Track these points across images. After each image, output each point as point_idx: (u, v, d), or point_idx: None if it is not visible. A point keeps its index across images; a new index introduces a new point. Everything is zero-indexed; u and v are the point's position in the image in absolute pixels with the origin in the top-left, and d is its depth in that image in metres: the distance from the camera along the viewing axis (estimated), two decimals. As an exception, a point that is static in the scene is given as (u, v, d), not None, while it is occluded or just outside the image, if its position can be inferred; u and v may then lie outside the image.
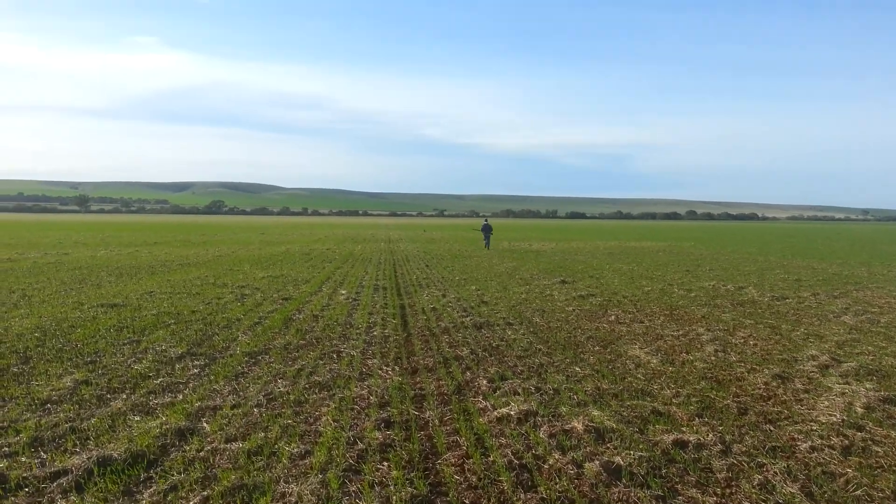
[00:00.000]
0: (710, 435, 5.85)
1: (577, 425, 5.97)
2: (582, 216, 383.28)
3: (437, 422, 6.30)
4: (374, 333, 10.90)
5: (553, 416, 6.38)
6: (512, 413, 6.35)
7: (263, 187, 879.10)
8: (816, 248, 42.52)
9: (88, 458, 5.22)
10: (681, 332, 11.08)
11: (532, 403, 6.70)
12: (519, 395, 7.13)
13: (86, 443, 5.69)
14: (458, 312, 13.16)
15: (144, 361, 8.67)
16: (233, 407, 6.72)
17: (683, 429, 6.06)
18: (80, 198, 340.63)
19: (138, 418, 6.34)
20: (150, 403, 6.85)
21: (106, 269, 22.13)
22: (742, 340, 10.44)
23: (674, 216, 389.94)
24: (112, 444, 5.60)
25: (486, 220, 43.17)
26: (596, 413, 6.43)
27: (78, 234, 52.24)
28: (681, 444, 5.61)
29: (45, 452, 5.48)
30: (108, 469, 5.11)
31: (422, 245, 42.05)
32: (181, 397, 7.08)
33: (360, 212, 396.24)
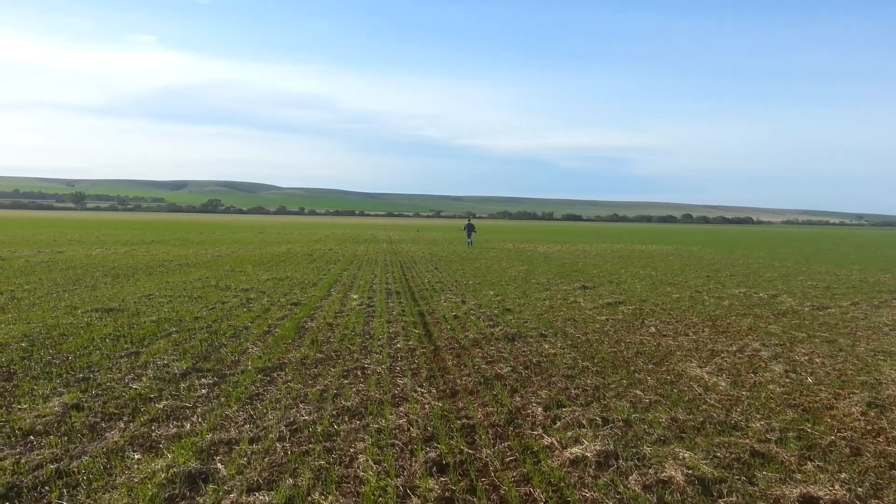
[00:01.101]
0: (836, 486, 4.81)
1: (675, 473, 4.91)
2: (578, 218, 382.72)
3: (497, 464, 5.24)
4: (398, 346, 9.85)
5: (638, 458, 5.32)
6: (588, 454, 5.29)
7: (260, 186, 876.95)
8: (825, 252, 41.58)
9: (78, 517, 4.16)
10: (735, 348, 10.06)
11: (607, 441, 5.64)
12: (584, 427, 6.08)
13: (75, 493, 4.61)
14: (483, 321, 12.12)
15: (144, 379, 7.60)
16: (251, 441, 5.66)
17: (797, 476, 5.02)
18: (77, 195, 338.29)
19: (139, 456, 5.27)
20: (153, 435, 5.78)
21: (101, 269, 21.00)
22: (807, 358, 9.41)
23: (670, 219, 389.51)
24: (107, 496, 4.52)
25: (469, 220, 45.14)
26: (686, 454, 5.38)
27: (73, 232, 51.01)
28: (810, 502, 4.57)
29: (23, 506, 4.42)
30: (103, 533, 4.06)
31: (425, 246, 40.98)
32: (189, 427, 6.01)
33: (357, 212, 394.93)
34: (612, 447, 5.47)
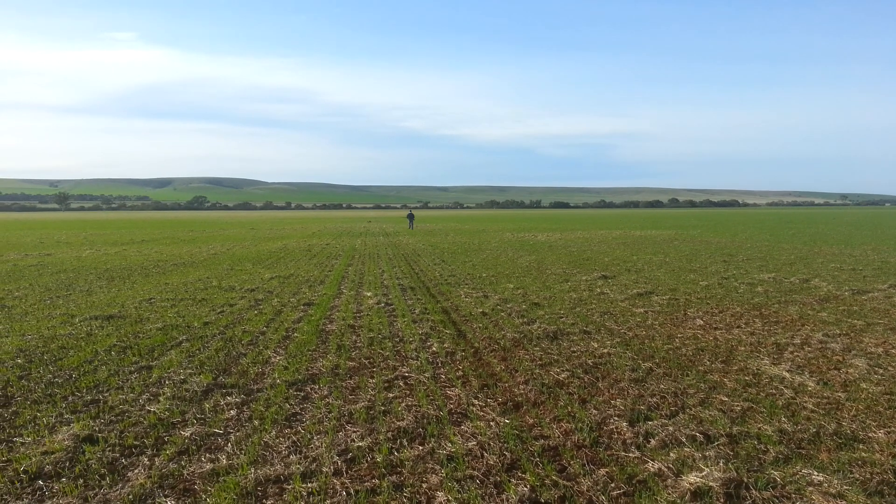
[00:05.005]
0: None
1: (829, 507, 4.09)
2: (566, 206, 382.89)
3: (604, 499, 4.40)
4: (433, 349, 8.98)
5: (772, 486, 4.49)
6: (712, 484, 4.44)
7: (246, 182, 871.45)
8: (827, 234, 40.98)
9: None
10: (798, 340, 9.26)
11: (726, 465, 4.79)
12: (685, 445, 5.25)
13: (103, 559, 3.73)
14: (516, 318, 11.26)
15: (162, 399, 6.70)
16: (304, 478, 4.78)
17: (966, 504, 4.22)
18: (60, 195, 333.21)
19: None
20: (185, 473, 4.88)
21: (94, 271, 19.94)
22: (882, 350, 8.64)
23: (657, 204, 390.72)
24: (145, 564, 3.65)
25: (410, 211, 63.71)
26: (821, 478, 4.56)
27: (59, 233, 49.65)
28: None
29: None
30: None
31: (422, 238, 40.08)
32: (225, 460, 5.11)
33: (345, 205, 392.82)
34: (734, 473, 4.63)
